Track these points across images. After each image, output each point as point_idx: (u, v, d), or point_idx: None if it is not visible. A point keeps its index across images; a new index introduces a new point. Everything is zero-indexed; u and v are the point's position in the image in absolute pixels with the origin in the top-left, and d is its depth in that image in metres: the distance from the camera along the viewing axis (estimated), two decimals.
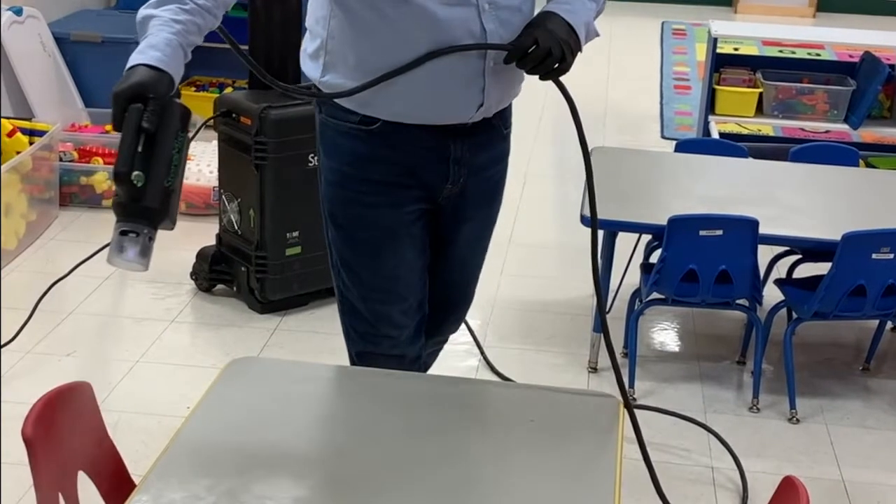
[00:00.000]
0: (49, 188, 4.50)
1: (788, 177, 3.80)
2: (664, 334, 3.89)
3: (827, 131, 5.43)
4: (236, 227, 3.88)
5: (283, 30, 3.77)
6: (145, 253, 1.84)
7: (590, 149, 2.27)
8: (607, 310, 3.56)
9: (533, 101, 5.43)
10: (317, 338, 3.70)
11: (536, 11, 2.19)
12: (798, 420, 3.35)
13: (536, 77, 2.14)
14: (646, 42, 8.00)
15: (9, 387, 3.31)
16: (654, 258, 3.45)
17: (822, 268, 3.31)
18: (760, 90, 5.17)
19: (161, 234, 1.90)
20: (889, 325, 3.77)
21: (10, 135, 4.29)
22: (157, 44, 1.91)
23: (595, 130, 5.83)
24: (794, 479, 1.72)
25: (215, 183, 4.25)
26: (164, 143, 1.81)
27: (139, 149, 1.79)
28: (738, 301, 3.41)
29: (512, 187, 5.50)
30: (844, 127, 5.16)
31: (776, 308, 3.46)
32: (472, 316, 3.80)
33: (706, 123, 5.26)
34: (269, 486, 1.78)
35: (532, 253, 4.48)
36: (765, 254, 3.63)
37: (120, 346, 3.64)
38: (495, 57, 2.15)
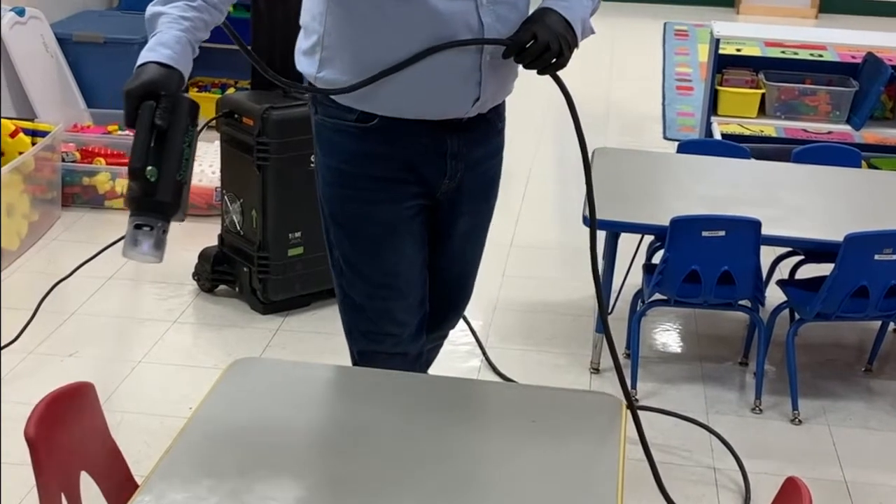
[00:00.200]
0: (51, 188, 4.51)
1: (791, 178, 3.80)
2: (666, 335, 3.89)
3: (829, 132, 5.43)
4: (238, 228, 3.88)
5: (285, 30, 3.76)
6: (159, 245, 1.88)
7: (592, 150, 2.27)
8: (609, 311, 3.56)
9: (535, 102, 5.44)
10: (319, 338, 3.70)
11: (531, 10, 2.21)
12: (800, 421, 3.35)
13: (534, 72, 2.16)
14: (648, 43, 8.00)
15: (11, 387, 3.31)
16: (657, 259, 3.45)
17: (824, 269, 3.31)
18: (763, 91, 5.17)
19: None
20: (891, 325, 3.77)
21: (13, 135, 4.30)
22: (166, 41, 1.94)
23: (597, 131, 5.83)
24: (796, 480, 1.72)
25: (217, 183, 4.25)
26: (175, 138, 1.87)
27: (152, 144, 1.84)
28: (740, 302, 3.41)
29: (514, 188, 5.51)
30: (847, 128, 5.16)
31: (778, 309, 3.46)
32: (474, 317, 3.81)
33: (708, 124, 5.26)
34: (271, 486, 1.78)
35: (534, 253, 4.48)
36: (767, 255, 3.63)
37: (122, 347, 3.64)
38: (492, 51, 2.17)
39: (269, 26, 3.79)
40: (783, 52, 7.13)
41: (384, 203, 2.29)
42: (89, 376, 2.05)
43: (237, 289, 3.93)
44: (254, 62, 2.23)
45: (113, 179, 4.66)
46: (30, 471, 1.75)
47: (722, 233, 3.20)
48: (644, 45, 7.93)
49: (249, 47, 2.21)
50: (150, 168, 1.83)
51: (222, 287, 3.99)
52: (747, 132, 5.67)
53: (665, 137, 6.01)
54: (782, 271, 3.89)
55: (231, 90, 5.60)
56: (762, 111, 5.20)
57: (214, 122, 3.87)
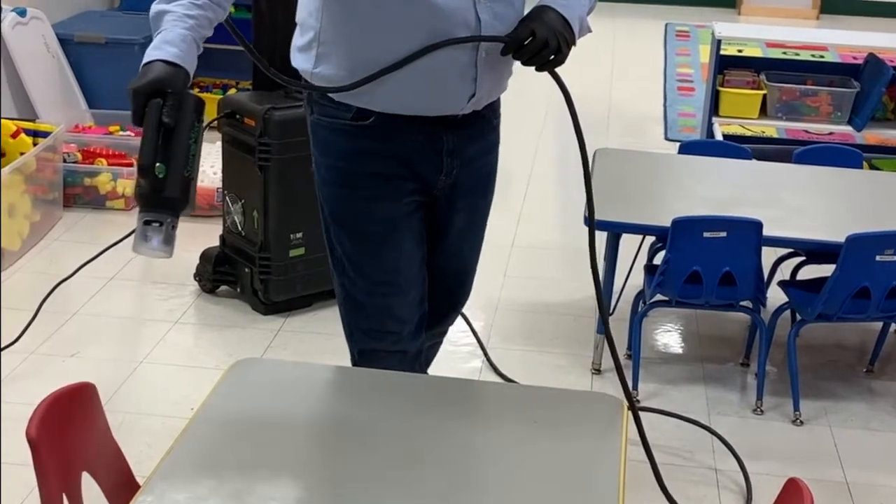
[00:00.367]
0: (53, 189, 4.51)
1: (792, 178, 3.80)
2: (668, 336, 3.89)
3: (830, 133, 5.43)
4: (240, 229, 3.88)
5: (286, 30, 3.73)
6: (169, 241, 1.92)
7: (593, 151, 2.28)
8: (611, 311, 3.56)
9: (536, 103, 5.44)
10: (320, 339, 3.70)
11: (527, 10, 2.23)
12: (802, 422, 3.34)
13: (534, 72, 2.18)
14: (649, 44, 8.00)
15: (13, 387, 3.32)
16: (658, 260, 3.45)
17: (825, 270, 3.31)
18: (764, 92, 5.17)
19: None
20: (893, 326, 3.76)
21: (15, 136, 4.30)
22: (172, 39, 1.98)
23: (598, 132, 5.84)
24: (798, 481, 1.72)
25: (219, 184, 4.25)
26: (182, 135, 1.91)
27: (159, 142, 1.88)
28: (741, 303, 3.40)
29: (515, 188, 5.51)
30: (848, 129, 5.16)
31: (780, 310, 3.46)
32: (476, 317, 3.81)
33: (710, 125, 5.26)
34: (272, 486, 1.79)
35: (535, 254, 4.48)
36: (768, 255, 3.63)
37: (124, 347, 3.64)
38: (488, 48, 2.19)
39: (270, 27, 3.78)
40: (784, 52, 7.13)
41: (383, 200, 2.31)
42: (91, 377, 2.04)
43: (238, 289, 3.93)
44: (255, 60, 2.25)
45: (114, 180, 4.67)
46: (31, 471, 1.75)
47: (723, 234, 3.20)
48: (645, 46, 7.92)
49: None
50: (158, 165, 1.87)
51: (224, 288, 3.99)
52: (749, 133, 5.66)
53: (666, 138, 6.01)
54: (783, 272, 3.88)
55: (233, 91, 5.60)
56: (763, 112, 5.20)
57: (216, 122, 3.87)
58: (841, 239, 3.15)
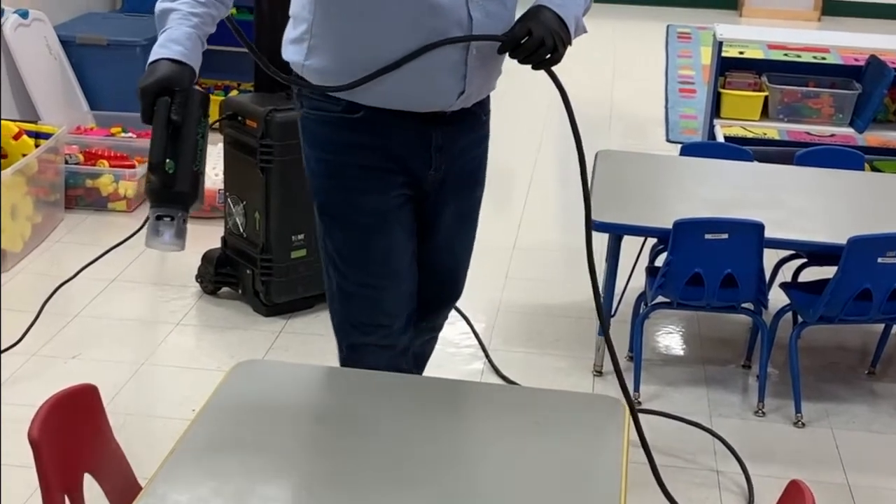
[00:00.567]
0: (55, 191, 4.51)
1: (794, 180, 3.80)
2: (669, 338, 3.89)
3: (832, 135, 5.43)
4: (241, 230, 3.88)
5: None
6: (180, 234, 1.98)
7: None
8: (612, 313, 3.56)
9: (537, 105, 5.44)
10: (321, 340, 3.70)
11: (520, 9, 2.25)
12: (804, 424, 3.34)
13: (535, 72, 2.19)
14: (651, 45, 8.00)
15: (15, 389, 3.32)
16: (660, 262, 3.45)
17: (827, 271, 3.31)
18: (766, 94, 5.17)
19: None
20: (895, 328, 3.76)
21: (16, 137, 4.30)
22: (177, 37, 2.02)
23: (600, 134, 5.84)
24: (799, 483, 1.72)
25: (221, 186, 4.25)
26: (189, 131, 1.96)
27: (169, 139, 1.94)
28: (743, 305, 3.40)
29: (516, 190, 5.51)
30: (850, 130, 5.16)
31: (782, 312, 3.46)
32: (477, 319, 3.81)
33: (711, 127, 5.26)
34: (274, 487, 1.79)
35: (536, 256, 4.48)
36: (770, 257, 3.63)
37: (125, 349, 3.64)
38: (478, 46, 2.21)
39: (270, 27, 3.78)
40: (786, 54, 7.12)
41: (372, 192, 2.32)
42: (92, 378, 2.04)
43: (240, 291, 3.94)
44: (256, 58, 2.28)
45: (116, 182, 4.67)
46: (33, 473, 1.75)
47: (725, 235, 3.20)
48: (647, 48, 7.92)
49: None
50: (168, 161, 1.93)
51: (225, 289, 3.99)
52: (750, 135, 5.66)
53: (668, 140, 6.01)
54: (785, 274, 3.88)
55: (234, 92, 5.60)
56: (765, 114, 5.20)
57: (218, 124, 3.87)
58: (842, 241, 3.15)
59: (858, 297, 3.20)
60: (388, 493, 1.78)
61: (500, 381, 3.49)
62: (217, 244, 4.01)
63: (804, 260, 3.76)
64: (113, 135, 4.89)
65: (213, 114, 4.01)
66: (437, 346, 2.77)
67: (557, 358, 3.68)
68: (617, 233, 3.40)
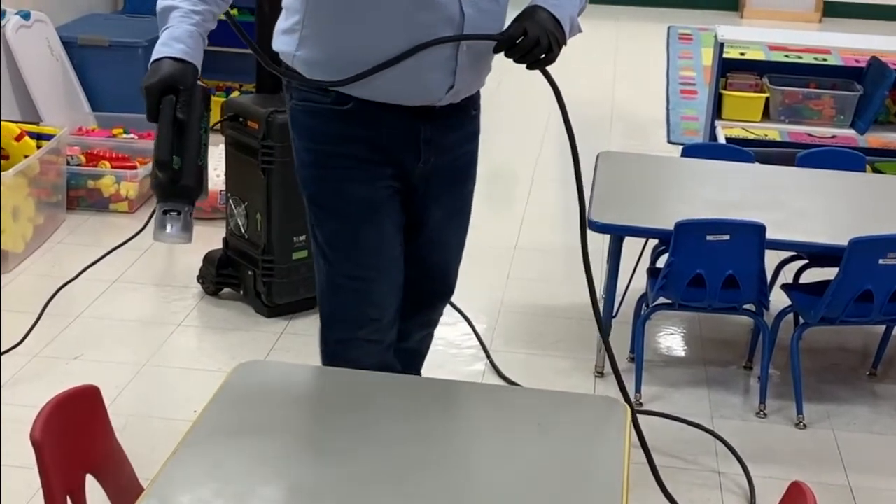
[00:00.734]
0: (56, 192, 4.51)
1: (795, 182, 3.80)
2: (671, 339, 3.89)
3: (833, 136, 5.42)
4: (243, 231, 3.88)
5: None
6: (187, 227, 2.03)
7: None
8: (614, 314, 3.56)
9: (538, 106, 5.44)
10: None
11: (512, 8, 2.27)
12: (805, 425, 3.34)
13: (534, 72, 2.21)
14: (652, 47, 8.00)
15: (16, 390, 3.32)
16: (661, 263, 3.45)
17: (828, 273, 3.31)
18: (767, 95, 5.17)
19: None
20: None
21: (18, 139, 4.30)
22: (180, 36, 2.05)
23: (601, 135, 5.84)
24: (801, 485, 1.72)
25: (222, 187, 4.25)
26: (193, 127, 2.01)
27: (174, 136, 1.98)
28: (744, 306, 3.40)
29: (518, 191, 5.51)
30: (851, 132, 5.16)
31: (783, 313, 3.46)
32: (478, 320, 3.82)
33: (713, 128, 5.26)
34: (276, 489, 1.79)
35: (538, 257, 4.48)
36: (771, 259, 3.63)
37: (127, 350, 3.65)
38: (469, 42, 2.23)
39: (272, 28, 3.78)
40: (787, 56, 7.13)
41: (360, 182, 2.34)
42: (94, 379, 2.05)
43: (242, 292, 3.94)
44: (256, 54, 2.32)
45: (118, 183, 4.67)
46: (35, 474, 1.75)
47: (726, 237, 3.20)
48: (648, 49, 7.92)
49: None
50: (175, 158, 1.97)
51: (227, 290, 3.99)
52: (751, 136, 5.66)
53: (669, 141, 6.01)
54: (786, 275, 3.89)
55: (236, 93, 5.61)
56: (766, 115, 5.20)
57: (219, 125, 3.87)
58: (844, 242, 3.15)
59: (860, 298, 3.20)
60: (391, 493, 1.78)
61: (501, 382, 3.50)
62: (219, 245, 4.01)
63: (805, 261, 3.76)
64: (114, 136, 4.89)
65: (215, 116, 4.03)
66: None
67: (559, 359, 3.68)
68: (618, 234, 3.40)
